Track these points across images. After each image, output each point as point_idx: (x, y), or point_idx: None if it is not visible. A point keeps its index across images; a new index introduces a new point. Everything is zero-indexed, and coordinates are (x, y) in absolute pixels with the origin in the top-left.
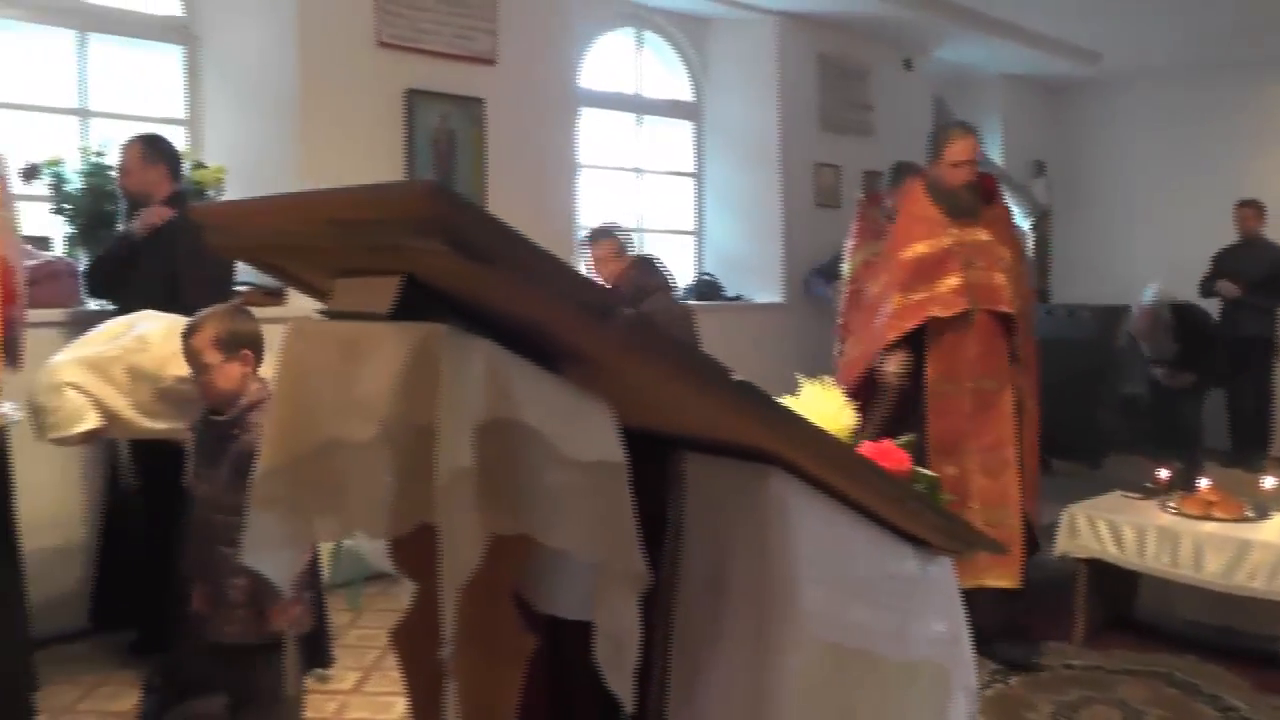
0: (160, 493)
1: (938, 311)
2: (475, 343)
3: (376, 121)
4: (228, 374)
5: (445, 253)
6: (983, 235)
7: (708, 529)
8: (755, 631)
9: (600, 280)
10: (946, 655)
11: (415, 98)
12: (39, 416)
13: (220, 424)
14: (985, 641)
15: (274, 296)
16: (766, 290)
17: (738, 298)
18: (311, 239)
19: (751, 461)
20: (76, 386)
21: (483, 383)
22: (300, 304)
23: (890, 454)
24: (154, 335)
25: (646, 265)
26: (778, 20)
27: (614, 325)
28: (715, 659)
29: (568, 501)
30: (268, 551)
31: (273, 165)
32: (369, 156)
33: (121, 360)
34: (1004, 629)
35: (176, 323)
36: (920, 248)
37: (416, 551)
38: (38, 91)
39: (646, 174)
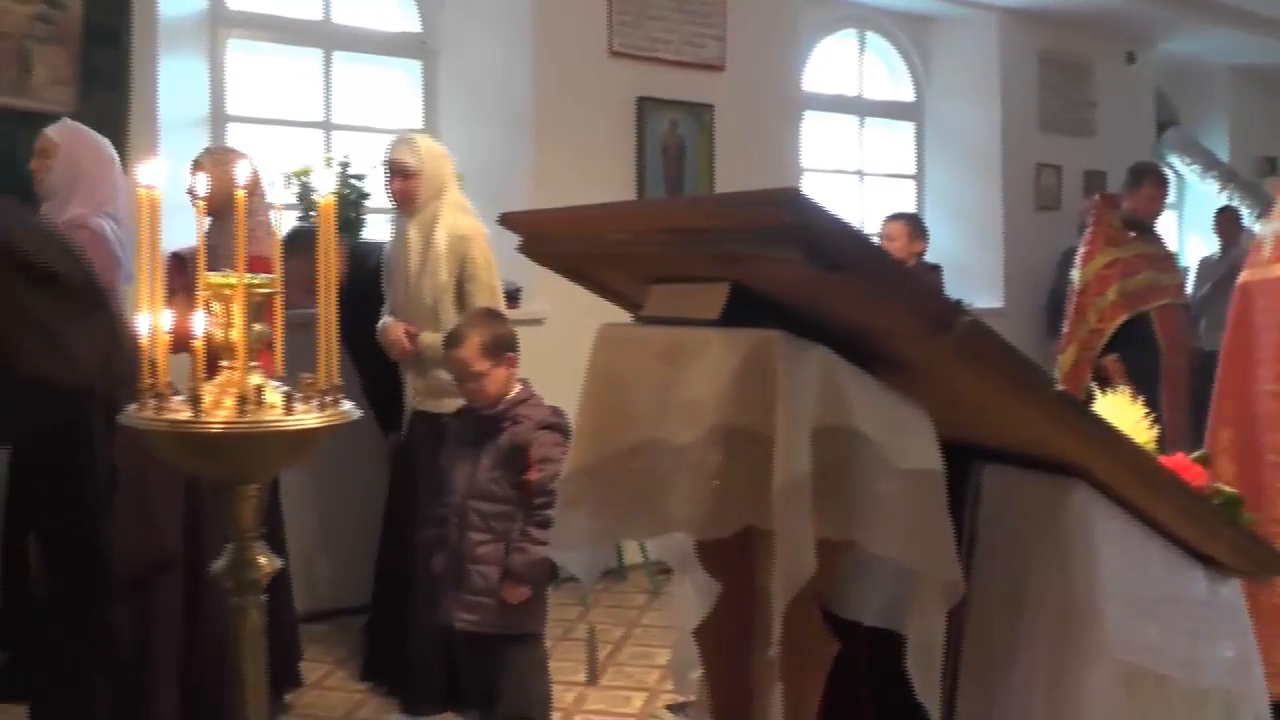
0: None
1: None
2: (810, 349)
3: (608, 129)
4: (496, 378)
5: (798, 260)
6: None
7: (1003, 540)
8: (1054, 648)
9: None
10: (1236, 682)
11: (646, 105)
12: None
13: (487, 416)
14: None
15: (512, 300)
16: (986, 295)
17: (958, 303)
18: (638, 247)
19: (1053, 473)
20: None
21: (817, 389)
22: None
23: (1187, 468)
24: None
25: (930, 269)
26: (999, 16)
27: (952, 334)
28: (1009, 675)
29: (892, 509)
30: (574, 548)
31: (507, 174)
32: (601, 164)
33: None
34: None
35: None
36: None
37: (727, 552)
38: (287, 107)
39: (868, 177)
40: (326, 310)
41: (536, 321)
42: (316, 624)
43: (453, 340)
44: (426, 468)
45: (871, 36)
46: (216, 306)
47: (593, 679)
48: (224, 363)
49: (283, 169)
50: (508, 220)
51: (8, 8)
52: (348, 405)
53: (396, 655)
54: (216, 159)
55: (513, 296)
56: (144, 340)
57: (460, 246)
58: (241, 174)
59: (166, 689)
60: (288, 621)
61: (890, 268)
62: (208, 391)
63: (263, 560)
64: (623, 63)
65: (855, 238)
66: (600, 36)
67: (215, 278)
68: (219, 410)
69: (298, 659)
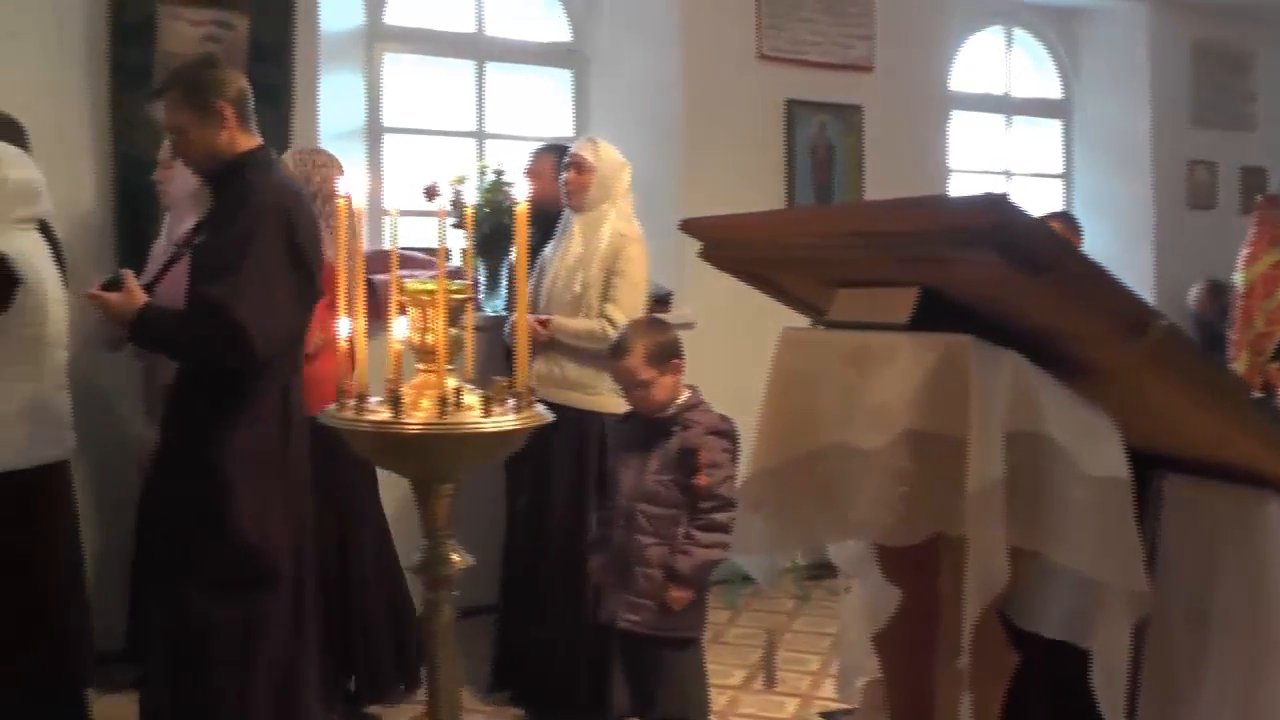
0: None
1: None
2: (1001, 353)
3: (757, 133)
4: (663, 386)
5: (995, 263)
6: None
7: (1187, 553)
8: (1248, 669)
9: None
10: None
11: (795, 108)
12: None
13: (656, 420)
14: None
15: (663, 304)
16: None
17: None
18: (824, 250)
19: (1243, 485)
20: None
21: (1009, 394)
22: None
23: None
24: None
25: None
26: (1150, 7)
27: (1147, 339)
28: (1197, 694)
29: (1081, 517)
30: (754, 551)
31: (658, 180)
32: (750, 168)
33: None
34: None
35: None
36: None
37: (909, 559)
38: (441, 117)
39: (1015, 176)
40: (519, 313)
41: (687, 326)
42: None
43: (618, 350)
44: (541, 460)
45: (1018, 33)
46: (413, 311)
47: (770, 683)
48: (421, 365)
49: (440, 178)
50: (688, 227)
51: (179, 29)
52: (540, 407)
53: (527, 655)
54: (299, 160)
55: (663, 301)
56: (343, 342)
57: (618, 244)
58: (320, 180)
59: (265, 692)
60: (407, 621)
61: (1091, 270)
62: (405, 393)
63: (455, 557)
64: (771, 66)
65: (1055, 239)
66: (749, 40)
67: (414, 283)
68: (416, 411)
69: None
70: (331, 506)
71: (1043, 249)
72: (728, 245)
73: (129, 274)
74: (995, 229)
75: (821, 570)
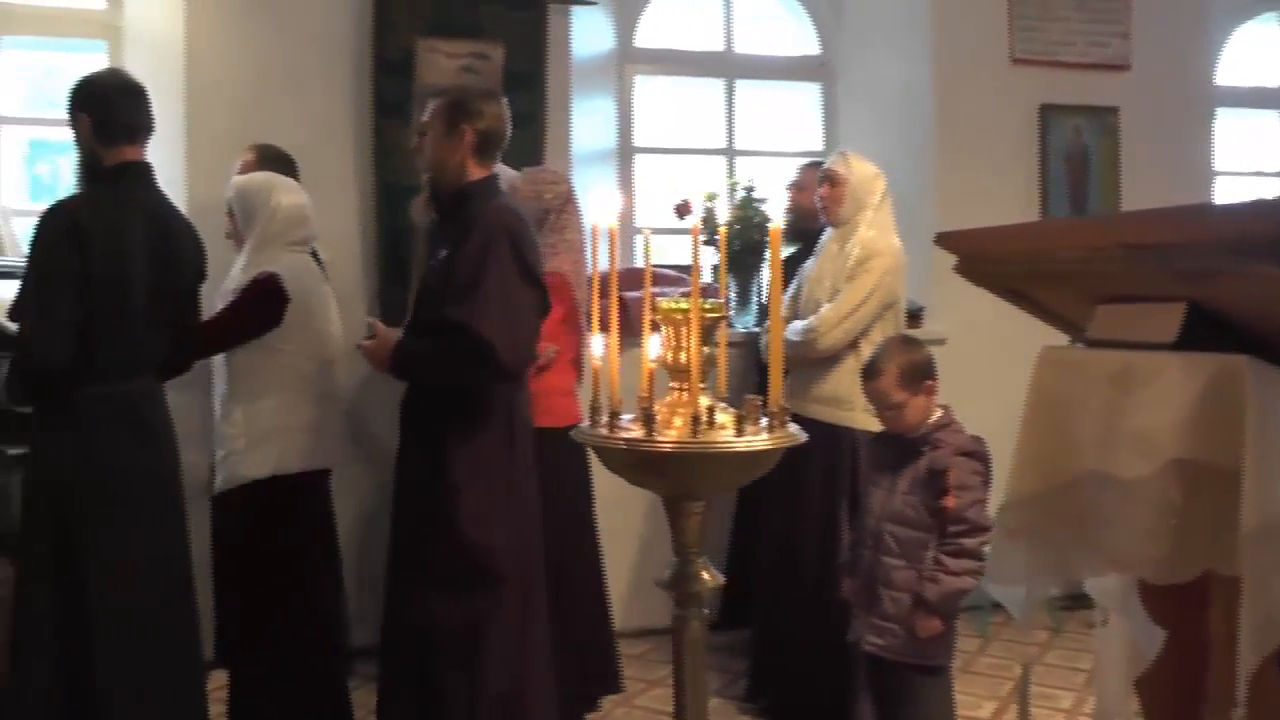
0: None
1: None
2: None
3: (1009, 139)
4: (916, 408)
5: (1275, 276)
6: None
7: None
8: None
9: None
10: None
11: (1048, 112)
12: None
13: (907, 440)
14: None
15: (914, 319)
16: None
17: None
18: (1088, 264)
19: None
20: None
21: None
22: None
23: None
24: None
25: None
26: None
27: None
28: None
29: None
30: (1011, 582)
31: (910, 190)
32: (1002, 175)
33: None
34: None
35: None
36: None
37: (1177, 598)
38: (690, 136)
39: None
40: (774, 330)
41: (938, 342)
42: (639, 640)
43: (870, 372)
44: (793, 477)
45: None
46: (666, 329)
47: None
48: (674, 383)
49: (691, 195)
50: (944, 241)
51: (437, 61)
52: (794, 427)
53: (777, 672)
54: (529, 179)
55: (914, 316)
56: (597, 361)
57: (863, 254)
58: (553, 197)
59: (493, 695)
60: (604, 638)
61: None
62: (658, 410)
63: (705, 575)
64: (1024, 69)
65: None
66: (1001, 44)
67: (667, 302)
68: (669, 429)
69: (613, 671)
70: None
71: None
72: (985, 259)
73: (374, 322)
74: (1276, 239)
75: (1076, 601)
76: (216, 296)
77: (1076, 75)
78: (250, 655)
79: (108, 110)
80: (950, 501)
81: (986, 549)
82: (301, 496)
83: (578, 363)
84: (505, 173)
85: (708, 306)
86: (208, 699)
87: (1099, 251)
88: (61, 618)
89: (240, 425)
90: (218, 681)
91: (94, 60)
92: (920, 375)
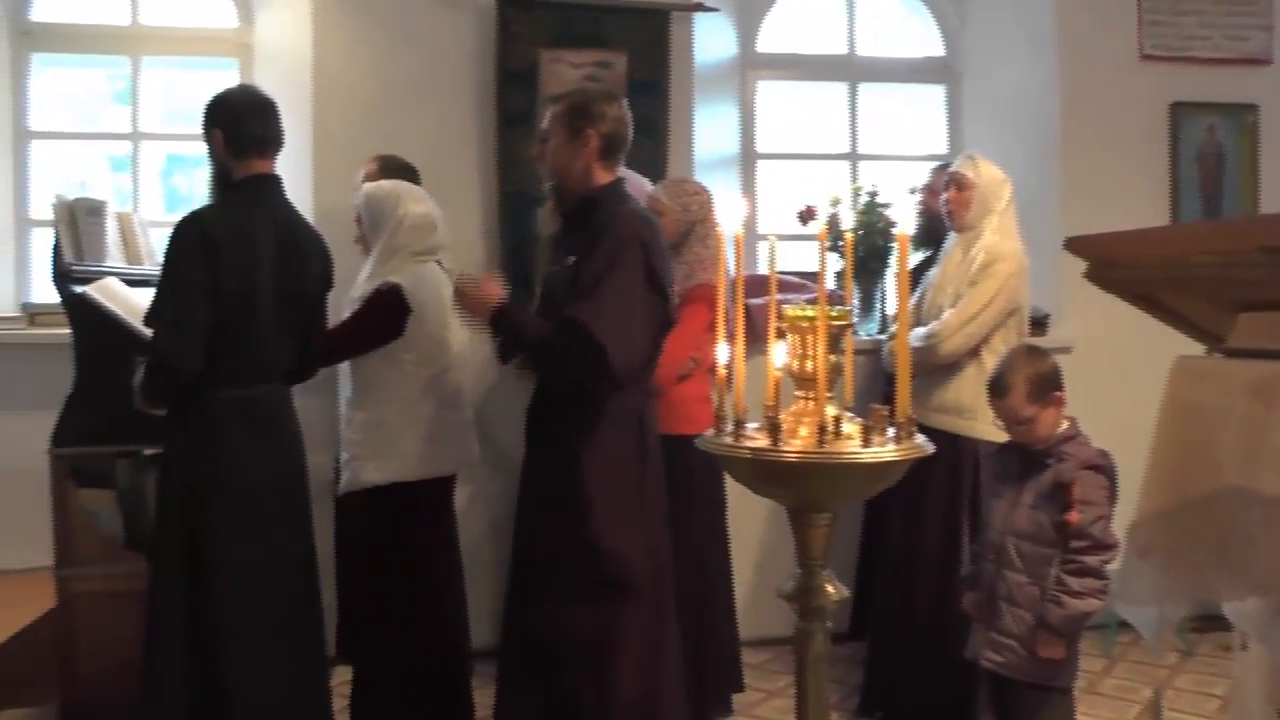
0: None
1: None
2: None
3: (1139, 139)
4: (1045, 421)
5: None
6: None
7: None
8: None
9: None
10: None
11: (1180, 110)
12: None
13: (1031, 452)
14: None
15: (1039, 327)
16: None
17: None
18: (1229, 270)
19: None
20: None
21: None
22: None
23: None
24: None
25: None
26: None
27: None
28: None
29: None
30: (1141, 603)
31: (1035, 192)
32: (1131, 175)
33: None
34: None
35: None
36: None
37: None
38: (813, 141)
39: None
40: (901, 338)
41: (1064, 350)
42: (759, 649)
43: (997, 388)
44: (915, 487)
45: None
46: (792, 337)
47: None
48: (799, 392)
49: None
50: (1074, 246)
51: (561, 71)
52: (920, 438)
53: (895, 683)
54: (673, 192)
55: (1040, 323)
56: (722, 369)
57: (986, 260)
58: (698, 208)
59: (626, 702)
60: (730, 653)
61: None
62: (784, 419)
63: (829, 588)
64: (1154, 66)
65: None
66: (1130, 40)
67: (793, 310)
68: (794, 439)
69: (733, 685)
70: (692, 521)
71: None
72: (1117, 265)
73: (491, 273)
74: None
75: (1209, 622)
76: (344, 303)
77: (1211, 71)
78: (371, 653)
79: (238, 125)
80: (1073, 516)
81: (1111, 567)
82: (422, 502)
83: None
84: (636, 180)
85: (834, 314)
86: (331, 695)
87: (1239, 256)
88: (192, 615)
89: (362, 432)
90: (340, 677)
91: (227, 77)
92: (1048, 387)
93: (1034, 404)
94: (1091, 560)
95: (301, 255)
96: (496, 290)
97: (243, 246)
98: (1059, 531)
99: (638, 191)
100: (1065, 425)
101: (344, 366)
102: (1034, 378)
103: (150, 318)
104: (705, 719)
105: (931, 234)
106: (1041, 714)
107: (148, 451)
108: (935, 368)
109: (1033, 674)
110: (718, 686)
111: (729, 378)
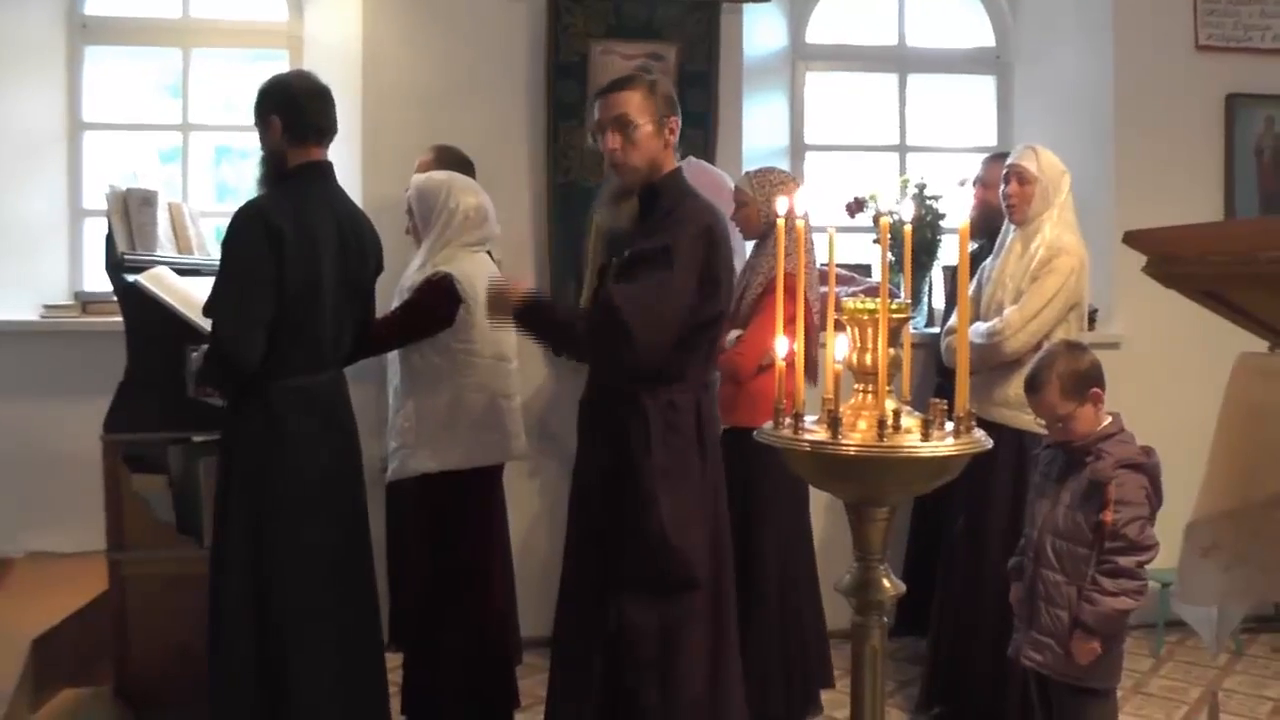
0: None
1: None
2: None
3: (1193, 131)
4: (1084, 418)
5: None
6: None
7: None
8: None
9: None
10: None
11: (1236, 102)
12: None
13: (1072, 449)
14: None
15: (1088, 321)
16: None
17: None
18: None
19: None
20: None
21: None
22: None
23: None
24: None
25: None
26: None
27: None
28: None
29: None
30: (1202, 603)
31: (1087, 185)
32: (1185, 168)
33: None
34: None
35: None
36: None
37: None
38: (862, 132)
39: None
40: (961, 333)
41: (1113, 345)
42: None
43: (1033, 385)
44: (980, 481)
45: None
46: (851, 330)
47: None
48: (858, 385)
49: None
50: (1133, 240)
51: (611, 63)
52: (979, 433)
53: (957, 679)
54: (757, 183)
55: (1088, 318)
56: (781, 362)
57: (1048, 254)
58: (782, 203)
59: (687, 697)
60: (819, 651)
61: None
62: (844, 413)
63: (886, 583)
64: (1210, 57)
65: None
66: (1185, 31)
67: (853, 303)
68: (853, 433)
69: (823, 682)
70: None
71: None
72: (1178, 260)
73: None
74: None
75: (1261, 622)
76: (394, 294)
77: (1269, 62)
78: (421, 639)
79: (298, 113)
80: (1108, 517)
81: (1162, 566)
82: (471, 490)
83: (808, 363)
84: (714, 173)
85: (894, 307)
86: (388, 680)
87: None
88: (254, 601)
89: (412, 419)
90: (392, 662)
91: (276, 68)
92: (1085, 383)
93: (1070, 400)
94: (1124, 561)
95: (360, 243)
96: (521, 285)
97: (305, 236)
98: (1095, 531)
99: (715, 185)
100: (1108, 420)
101: (392, 355)
102: (1068, 374)
103: (211, 308)
104: (795, 717)
105: (985, 226)
106: (1082, 715)
107: (199, 438)
108: (997, 364)
109: (1072, 675)
110: (805, 684)
111: (789, 369)
